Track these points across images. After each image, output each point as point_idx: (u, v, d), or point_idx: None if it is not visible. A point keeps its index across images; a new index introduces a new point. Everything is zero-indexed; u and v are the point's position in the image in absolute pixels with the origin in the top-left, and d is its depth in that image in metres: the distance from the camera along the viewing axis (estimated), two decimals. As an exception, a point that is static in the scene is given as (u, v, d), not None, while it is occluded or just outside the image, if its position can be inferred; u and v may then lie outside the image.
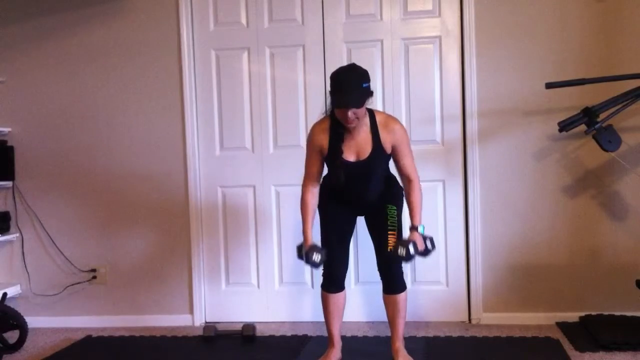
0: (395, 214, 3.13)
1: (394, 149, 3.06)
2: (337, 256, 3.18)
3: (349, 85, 2.90)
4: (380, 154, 3.05)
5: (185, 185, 4.08)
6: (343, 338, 3.62)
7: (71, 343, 3.78)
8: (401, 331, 3.22)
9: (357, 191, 3.15)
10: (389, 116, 3.16)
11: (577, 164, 3.80)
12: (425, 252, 3.07)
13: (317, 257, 3.02)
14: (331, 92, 2.96)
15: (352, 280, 3.97)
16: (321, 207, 3.20)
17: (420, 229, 3.06)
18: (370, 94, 2.96)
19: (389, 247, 3.07)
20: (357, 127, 3.02)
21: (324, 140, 3.07)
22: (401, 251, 2.98)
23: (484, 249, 3.87)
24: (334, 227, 3.19)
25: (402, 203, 3.19)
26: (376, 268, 3.19)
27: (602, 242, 3.78)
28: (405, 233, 3.14)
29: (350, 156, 3.05)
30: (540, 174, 3.82)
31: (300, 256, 3.10)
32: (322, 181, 3.20)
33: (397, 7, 3.92)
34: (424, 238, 3.06)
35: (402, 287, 3.17)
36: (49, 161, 4.20)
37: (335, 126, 3.04)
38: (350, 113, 2.90)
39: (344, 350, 3.30)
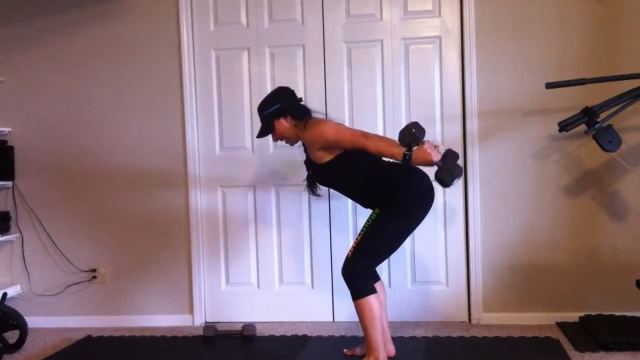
0: (374, 217, 3.07)
1: (328, 149, 3.04)
2: None
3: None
4: (314, 163, 3.12)
5: (185, 185, 4.08)
6: (343, 338, 3.62)
7: (71, 343, 3.78)
8: (368, 340, 3.02)
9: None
10: (307, 127, 3.10)
11: (577, 164, 3.80)
12: (448, 160, 3.00)
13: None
14: None
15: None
16: None
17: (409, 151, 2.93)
18: (273, 117, 3.14)
19: (348, 253, 3.08)
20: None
21: None
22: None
23: (484, 249, 3.87)
24: None
25: (397, 203, 3.07)
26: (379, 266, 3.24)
27: (602, 242, 3.78)
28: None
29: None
30: (540, 174, 3.82)
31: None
32: None
33: (397, 7, 3.92)
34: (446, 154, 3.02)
35: (354, 294, 3.02)
36: (49, 161, 4.20)
37: None
38: (272, 138, 3.23)
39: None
